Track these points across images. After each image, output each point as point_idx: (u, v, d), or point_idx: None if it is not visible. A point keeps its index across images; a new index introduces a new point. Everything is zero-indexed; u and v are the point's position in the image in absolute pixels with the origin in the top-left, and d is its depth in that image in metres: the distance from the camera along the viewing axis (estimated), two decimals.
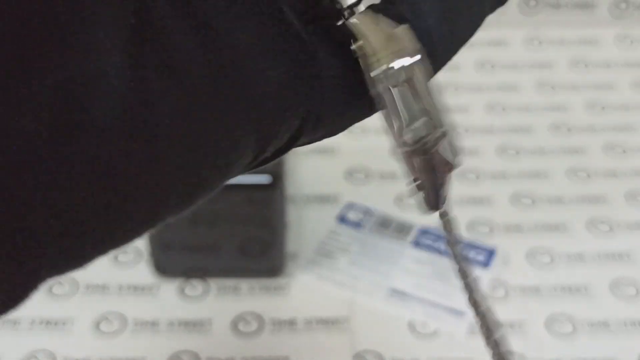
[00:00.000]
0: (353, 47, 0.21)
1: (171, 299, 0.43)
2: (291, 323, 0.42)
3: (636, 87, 0.57)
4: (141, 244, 0.45)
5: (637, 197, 0.49)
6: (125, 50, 0.18)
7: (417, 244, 0.46)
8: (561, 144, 0.53)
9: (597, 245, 0.47)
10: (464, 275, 0.24)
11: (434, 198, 0.23)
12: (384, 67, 0.21)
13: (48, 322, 0.42)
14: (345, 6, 0.21)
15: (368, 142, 0.52)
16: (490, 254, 0.45)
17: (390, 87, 0.21)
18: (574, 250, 0.46)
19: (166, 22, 0.19)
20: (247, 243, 0.43)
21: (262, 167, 0.22)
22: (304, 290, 0.44)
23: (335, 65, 0.22)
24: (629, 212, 0.48)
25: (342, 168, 0.52)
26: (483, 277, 0.44)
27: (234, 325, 0.42)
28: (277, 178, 0.42)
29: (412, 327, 0.42)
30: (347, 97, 0.23)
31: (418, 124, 0.22)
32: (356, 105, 0.23)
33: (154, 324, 0.42)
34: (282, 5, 0.21)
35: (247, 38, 0.21)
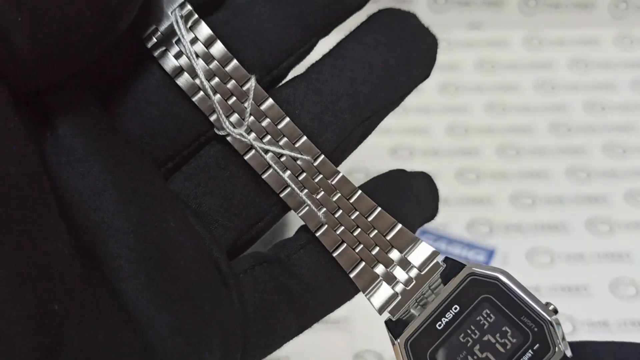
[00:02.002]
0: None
1: None
2: None
3: (636, 87, 0.57)
4: None
5: (637, 197, 0.49)
6: None
7: None
8: (561, 144, 0.53)
9: (596, 245, 0.47)
10: None
11: None
12: None
13: None
14: None
15: (368, 142, 0.51)
16: (490, 254, 0.45)
17: None
18: (574, 250, 0.46)
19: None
20: None
21: None
22: None
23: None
24: (628, 212, 0.49)
25: (342, 168, 0.52)
26: None
27: None
28: None
29: None
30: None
31: None
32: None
33: None
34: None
35: None
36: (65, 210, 0.22)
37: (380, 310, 0.25)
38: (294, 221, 0.25)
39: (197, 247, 0.23)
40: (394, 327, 0.25)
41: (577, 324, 0.42)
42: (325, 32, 0.26)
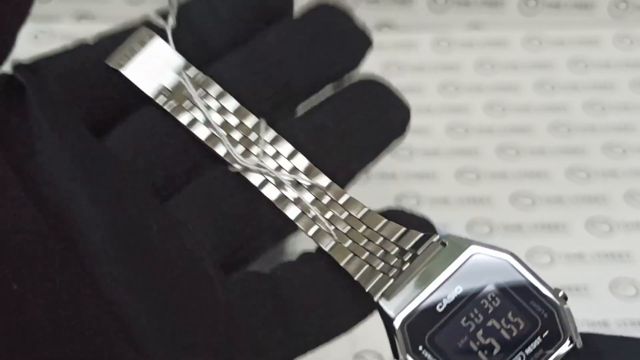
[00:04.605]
0: None
1: None
2: None
3: (636, 87, 0.57)
4: None
5: (637, 197, 0.49)
6: None
7: None
8: (561, 144, 0.53)
9: (596, 245, 0.47)
10: None
11: None
12: None
13: None
14: None
15: None
16: None
17: None
18: (574, 250, 0.46)
19: None
20: None
21: None
22: None
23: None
24: (628, 212, 0.49)
25: None
26: None
27: None
28: None
29: None
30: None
31: None
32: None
33: None
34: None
35: None
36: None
37: (374, 295, 0.24)
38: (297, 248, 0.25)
39: (181, 244, 0.23)
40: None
41: (577, 323, 0.42)
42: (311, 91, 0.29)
